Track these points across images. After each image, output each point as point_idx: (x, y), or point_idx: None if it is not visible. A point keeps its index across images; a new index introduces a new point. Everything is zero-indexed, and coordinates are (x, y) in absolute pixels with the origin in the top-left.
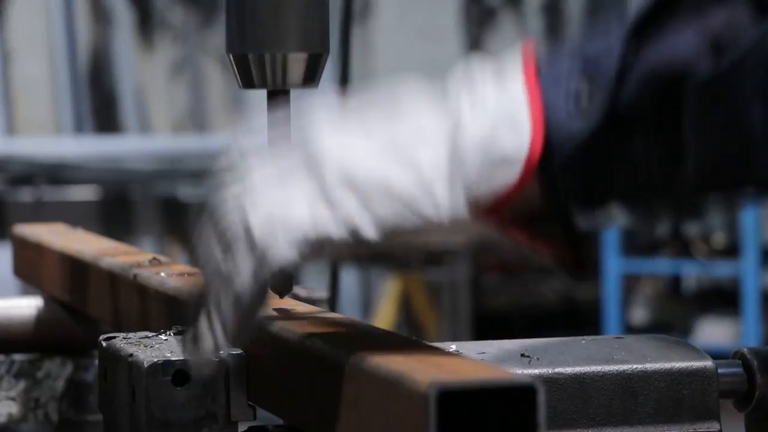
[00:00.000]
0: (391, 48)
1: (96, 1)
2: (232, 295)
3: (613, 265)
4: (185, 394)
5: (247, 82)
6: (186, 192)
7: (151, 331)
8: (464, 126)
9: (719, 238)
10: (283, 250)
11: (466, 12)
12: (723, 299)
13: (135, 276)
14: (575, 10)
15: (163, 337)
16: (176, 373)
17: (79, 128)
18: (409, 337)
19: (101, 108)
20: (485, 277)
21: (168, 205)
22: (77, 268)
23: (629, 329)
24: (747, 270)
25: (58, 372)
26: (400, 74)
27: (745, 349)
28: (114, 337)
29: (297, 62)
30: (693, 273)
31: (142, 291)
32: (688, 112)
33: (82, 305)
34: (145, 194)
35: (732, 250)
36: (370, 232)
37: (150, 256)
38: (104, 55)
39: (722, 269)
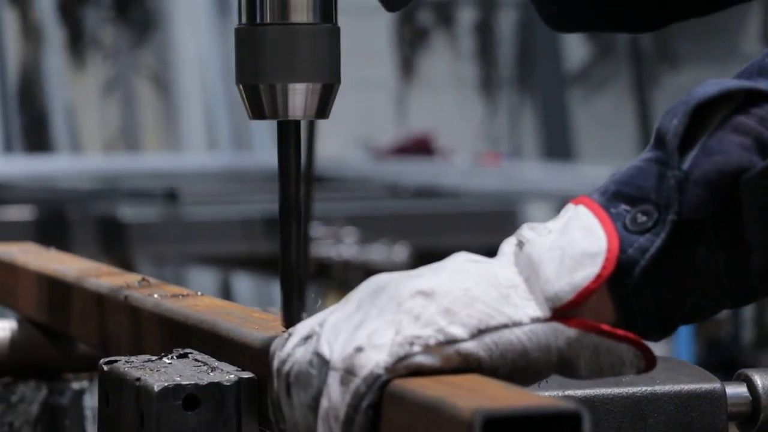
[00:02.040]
0: None
1: (26, 19)
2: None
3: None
4: (196, 419)
5: (258, 113)
6: (125, 212)
7: (144, 353)
8: (532, 240)
9: None
10: (374, 362)
11: (398, 32)
12: None
13: (126, 297)
14: (506, 29)
15: (166, 360)
16: (187, 397)
17: (9, 147)
18: None
19: (32, 127)
20: None
21: (106, 224)
22: (58, 289)
23: None
24: None
25: (32, 396)
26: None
27: (750, 371)
28: (115, 361)
29: (309, 93)
30: None
31: (134, 312)
32: (747, 208)
33: (64, 327)
34: (83, 214)
35: None
36: (457, 330)
37: (137, 277)
38: (35, 74)
39: None
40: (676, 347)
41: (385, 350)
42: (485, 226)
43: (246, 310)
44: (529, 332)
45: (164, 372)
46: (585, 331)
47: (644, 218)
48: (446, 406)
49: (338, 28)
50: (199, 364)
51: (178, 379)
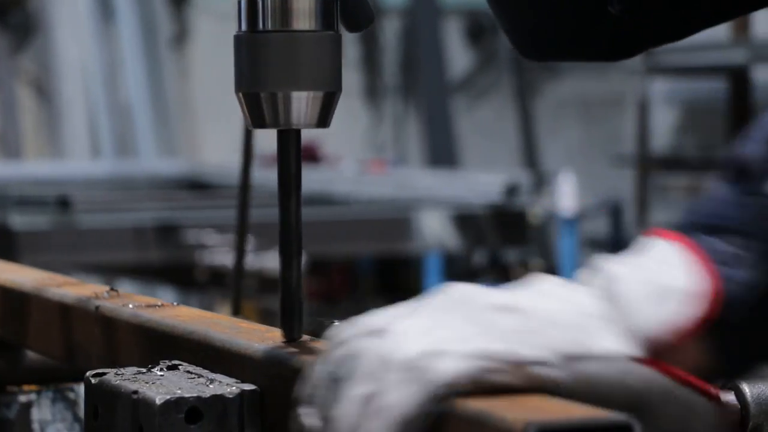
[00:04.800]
0: (208, 74)
1: None
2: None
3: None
4: None
5: (258, 122)
6: (14, 220)
7: (119, 365)
8: (620, 274)
9: (537, 265)
10: (447, 369)
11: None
12: None
13: (97, 308)
14: (390, 38)
15: (158, 372)
16: (189, 410)
17: None
18: None
19: None
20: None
21: None
22: (13, 300)
23: None
24: None
25: None
26: (217, 100)
27: (738, 379)
28: (104, 373)
29: (310, 101)
30: None
31: (108, 323)
32: None
33: (19, 338)
34: None
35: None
36: (537, 352)
37: (101, 287)
38: None
39: None
40: None
41: (459, 360)
42: (379, 234)
43: (231, 320)
44: (608, 365)
45: (160, 384)
46: (660, 374)
47: (738, 251)
48: (494, 418)
49: (340, 36)
50: (193, 376)
51: (179, 391)
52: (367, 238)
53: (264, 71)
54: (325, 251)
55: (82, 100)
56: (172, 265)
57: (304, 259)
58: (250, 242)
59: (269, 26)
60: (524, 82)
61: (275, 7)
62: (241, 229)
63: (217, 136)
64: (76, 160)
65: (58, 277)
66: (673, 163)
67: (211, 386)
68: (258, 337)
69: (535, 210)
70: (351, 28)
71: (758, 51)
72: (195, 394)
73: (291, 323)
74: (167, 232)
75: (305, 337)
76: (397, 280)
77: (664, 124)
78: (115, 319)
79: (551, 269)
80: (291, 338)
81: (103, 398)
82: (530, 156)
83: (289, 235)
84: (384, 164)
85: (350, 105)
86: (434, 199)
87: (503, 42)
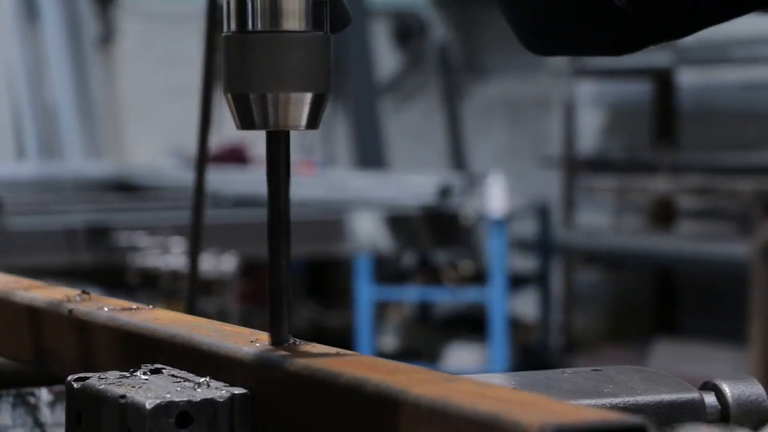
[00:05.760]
0: (135, 75)
1: None
2: None
3: (365, 292)
4: None
5: (247, 123)
6: None
7: (95, 369)
8: None
9: (467, 266)
10: None
11: (204, 39)
12: (471, 325)
13: (71, 311)
14: None
15: (142, 376)
16: (180, 414)
17: None
18: (446, 373)
19: None
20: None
21: None
22: None
23: (381, 356)
24: (494, 296)
25: None
26: (144, 101)
27: (718, 380)
28: (86, 378)
29: (300, 102)
30: (442, 300)
31: (82, 327)
32: None
33: None
34: None
35: (479, 277)
36: None
37: (75, 291)
38: None
39: (470, 296)
40: (492, 354)
41: None
42: (312, 236)
43: (212, 323)
44: None
45: (147, 389)
46: None
47: None
48: (506, 421)
49: (329, 37)
50: (179, 379)
51: (169, 395)
52: (299, 240)
53: (253, 72)
54: (256, 253)
55: (7, 100)
56: (103, 268)
57: (234, 261)
58: (182, 244)
59: (258, 27)
60: (452, 84)
61: (264, 8)
62: (196, 230)
63: (143, 138)
64: (1, 161)
65: (24, 280)
66: (599, 164)
67: (199, 390)
68: (244, 340)
69: (466, 211)
70: (332, 30)
71: (682, 54)
72: (185, 398)
73: (279, 326)
74: (98, 235)
75: (293, 340)
76: (327, 281)
77: (590, 126)
78: (90, 323)
79: (480, 271)
80: (279, 341)
81: (86, 403)
82: (458, 158)
83: (277, 238)
84: (312, 166)
85: None
86: (367, 201)
87: (430, 44)
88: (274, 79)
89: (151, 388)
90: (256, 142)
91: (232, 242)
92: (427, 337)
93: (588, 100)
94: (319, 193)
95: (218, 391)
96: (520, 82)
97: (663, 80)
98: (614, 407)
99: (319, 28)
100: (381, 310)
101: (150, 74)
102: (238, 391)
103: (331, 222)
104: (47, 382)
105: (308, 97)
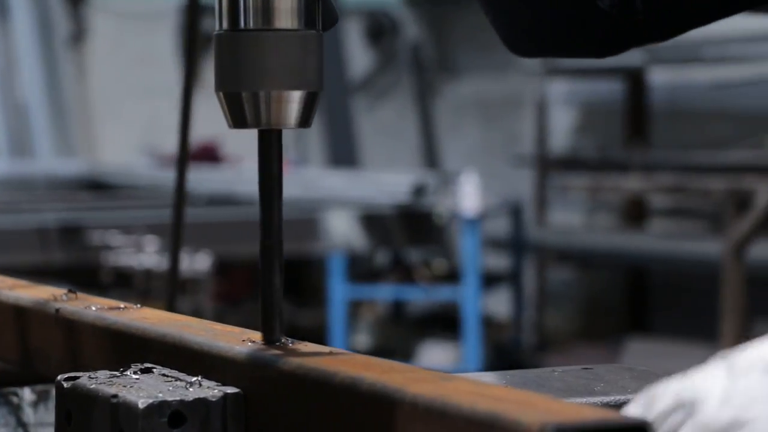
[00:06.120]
0: (106, 73)
1: None
2: None
3: (338, 291)
4: None
5: (239, 121)
6: None
7: (83, 369)
8: None
9: (440, 265)
10: None
11: (182, 38)
12: (444, 323)
13: (58, 310)
14: None
15: (133, 375)
16: (173, 414)
17: None
18: (444, 372)
19: None
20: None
21: None
22: None
23: None
24: (467, 295)
25: None
26: (115, 99)
27: None
28: (76, 377)
29: (293, 101)
30: (415, 298)
31: (70, 326)
32: None
33: None
34: None
35: (452, 276)
36: None
37: (58, 289)
38: None
39: (443, 294)
40: (465, 352)
41: None
42: (286, 234)
43: (202, 322)
44: None
45: (139, 388)
46: None
47: None
48: (506, 420)
49: (321, 35)
50: (170, 379)
51: (161, 395)
52: None
53: (245, 70)
54: (234, 252)
55: None
56: (76, 267)
57: (209, 260)
58: (156, 243)
59: (251, 25)
60: (424, 83)
61: (257, 6)
62: (177, 229)
63: (115, 136)
64: None
65: (8, 279)
66: (571, 163)
67: (191, 389)
68: (236, 339)
69: (439, 210)
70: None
71: (654, 53)
72: (178, 398)
73: (272, 325)
74: (71, 233)
75: (285, 339)
76: (300, 280)
77: (562, 125)
78: (78, 322)
79: (453, 269)
80: (272, 340)
81: (77, 402)
82: (431, 156)
83: (270, 237)
84: (285, 164)
85: None
86: (341, 200)
87: (403, 42)
88: (267, 77)
89: (142, 388)
90: (228, 140)
91: (206, 241)
92: (400, 336)
93: (560, 99)
94: (292, 191)
95: (210, 390)
96: (492, 81)
97: (635, 79)
98: (605, 406)
99: (311, 26)
100: (354, 308)
101: (121, 72)
102: (230, 390)
103: (305, 221)
104: (30, 382)
105: (301, 95)
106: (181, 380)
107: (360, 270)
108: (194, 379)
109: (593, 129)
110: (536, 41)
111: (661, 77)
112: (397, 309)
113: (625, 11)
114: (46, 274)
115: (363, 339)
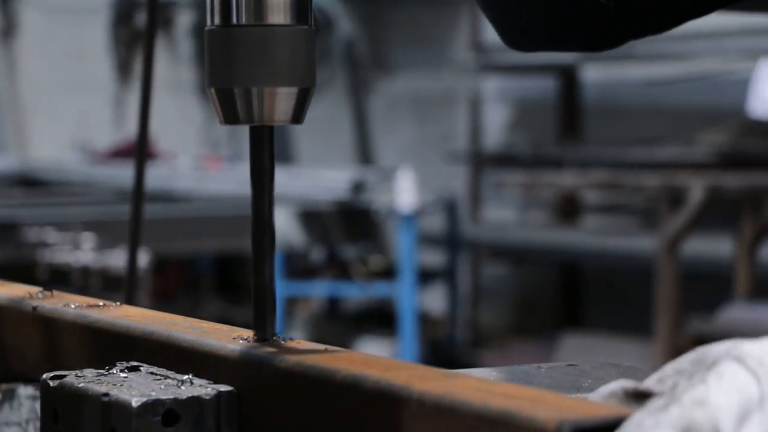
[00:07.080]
0: (37, 68)
1: None
2: None
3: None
4: None
5: (231, 118)
6: None
7: (63, 367)
8: None
9: (377, 261)
10: None
11: (115, 33)
12: (380, 319)
13: (35, 308)
14: None
15: (121, 374)
16: (166, 412)
17: None
18: (446, 369)
19: None
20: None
21: None
22: None
23: None
24: (403, 291)
25: None
26: (46, 94)
27: None
28: (63, 376)
29: (285, 97)
30: (351, 295)
31: (48, 324)
32: None
33: None
34: None
35: (389, 272)
36: None
37: (36, 288)
38: None
39: (379, 290)
40: (401, 348)
41: None
42: (222, 231)
43: (188, 319)
44: None
45: (130, 386)
46: None
47: None
48: (521, 418)
49: (314, 30)
50: (159, 377)
51: (154, 393)
52: (210, 235)
53: (237, 66)
54: (172, 248)
55: None
56: (11, 264)
57: (146, 257)
58: (92, 239)
59: (243, 20)
60: (358, 80)
61: (249, 1)
62: (135, 226)
63: (46, 132)
64: None
65: None
66: (505, 159)
67: (183, 388)
68: (226, 336)
69: (376, 206)
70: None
71: None
72: (171, 396)
73: (264, 322)
74: (5, 231)
75: (278, 337)
76: (235, 277)
77: (496, 122)
78: (56, 320)
79: (390, 265)
80: (264, 338)
81: (64, 401)
82: (365, 153)
83: (262, 233)
84: (219, 161)
85: (184, 101)
86: (279, 196)
87: (337, 39)
88: (259, 73)
89: (133, 386)
90: (164, 136)
91: (144, 237)
92: (336, 332)
93: (494, 95)
94: (228, 187)
95: (203, 388)
96: (426, 78)
97: (568, 76)
98: None
99: (303, 22)
100: (290, 305)
101: (52, 68)
102: (224, 388)
103: (241, 217)
104: None
105: (293, 91)
106: (171, 378)
107: (296, 266)
108: (185, 377)
109: (527, 126)
110: (533, 36)
111: (594, 74)
112: (333, 305)
113: (621, 4)
114: None
115: (299, 335)
